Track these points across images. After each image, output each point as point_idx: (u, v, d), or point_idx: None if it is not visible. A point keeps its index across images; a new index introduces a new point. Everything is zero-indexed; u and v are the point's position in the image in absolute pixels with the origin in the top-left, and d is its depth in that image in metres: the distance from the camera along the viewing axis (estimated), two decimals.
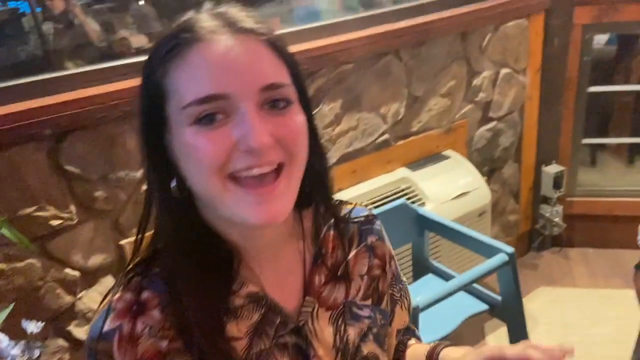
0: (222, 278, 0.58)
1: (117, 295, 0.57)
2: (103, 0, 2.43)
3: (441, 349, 0.72)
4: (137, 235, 0.60)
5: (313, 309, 0.64)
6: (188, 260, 0.57)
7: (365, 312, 0.68)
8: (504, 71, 2.14)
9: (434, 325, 1.45)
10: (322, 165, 0.62)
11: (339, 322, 0.65)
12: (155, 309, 0.56)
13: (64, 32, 2.19)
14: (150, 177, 0.58)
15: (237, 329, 0.58)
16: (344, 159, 1.77)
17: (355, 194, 1.75)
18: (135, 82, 1.40)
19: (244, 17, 0.54)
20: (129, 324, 0.56)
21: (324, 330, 0.64)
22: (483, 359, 0.62)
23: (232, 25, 0.53)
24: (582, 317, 2.10)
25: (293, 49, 0.58)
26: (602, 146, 2.95)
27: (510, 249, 1.32)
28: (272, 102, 0.53)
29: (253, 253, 0.60)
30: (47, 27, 2.23)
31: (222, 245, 0.59)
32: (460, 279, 1.30)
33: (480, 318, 1.57)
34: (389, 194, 1.81)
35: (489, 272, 1.30)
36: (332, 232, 0.68)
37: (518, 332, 1.43)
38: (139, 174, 1.37)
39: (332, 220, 0.68)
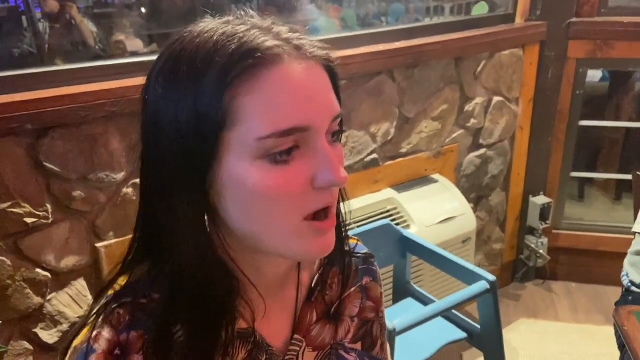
0: (219, 312, 0.53)
1: (95, 333, 0.51)
2: (104, 4, 2.43)
3: None
4: (127, 257, 0.55)
5: (300, 348, 0.61)
6: (190, 291, 0.52)
7: (352, 356, 0.65)
8: (497, 99, 2.15)
9: (410, 351, 1.42)
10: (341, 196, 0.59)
11: None
12: (137, 353, 0.51)
13: (60, 32, 2.18)
14: (162, 209, 0.51)
15: None
16: None
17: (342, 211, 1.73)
18: (123, 82, 1.37)
19: (305, 40, 0.51)
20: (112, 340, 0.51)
21: None
22: None
23: (298, 50, 0.49)
24: (562, 351, 2.08)
25: None
26: (590, 181, 2.96)
27: (492, 277, 1.31)
28: (333, 133, 0.51)
29: (257, 285, 0.56)
30: (44, 26, 2.22)
31: (229, 278, 0.54)
32: (439, 304, 1.27)
33: (459, 346, 1.55)
34: (374, 214, 1.79)
35: (469, 299, 1.28)
36: (334, 268, 0.64)
37: None
38: (120, 176, 1.34)
39: (343, 256, 0.64)
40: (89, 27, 2.21)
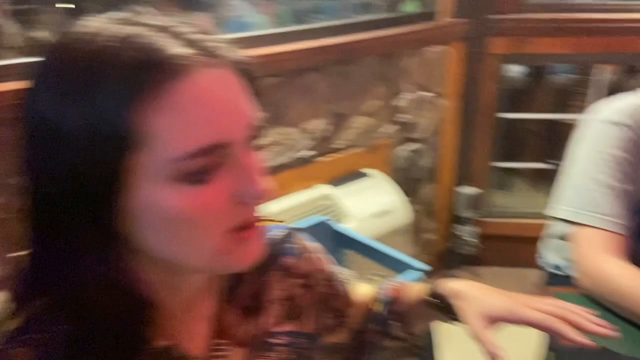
0: (130, 341, 0.50)
1: None
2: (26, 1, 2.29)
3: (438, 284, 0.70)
4: (18, 295, 0.50)
5: (224, 351, 0.59)
6: (95, 324, 0.48)
7: (282, 339, 0.65)
8: (425, 94, 2.22)
9: None
10: None
11: (255, 357, 0.61)
12: None
13: None
14: (74, 236, 0.46)
15: None
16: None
17: (276, 209, 1.73)
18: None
19: (217, 42, 0.46)
20: None
21: None
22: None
23: (209, 54, 0.44)
24: None
25: None
26: (515, 170, 3.13)
27: (423, 266, 1.35)
28: (252, 141, 0.48)
29: (170, 301, 0.53)
30: None
31: (141, 304, 0.50)
32: None
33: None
34: (310, 210, 1.80)
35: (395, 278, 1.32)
36: None
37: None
38: None
39: None
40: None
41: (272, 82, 1.68)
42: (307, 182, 1.88)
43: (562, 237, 1.36)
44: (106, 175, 0.43)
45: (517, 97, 2.85)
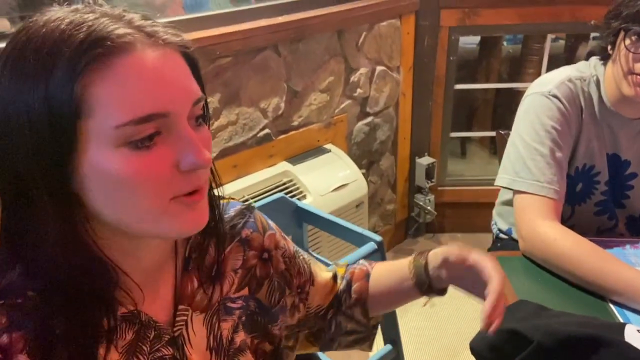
0: (97, 303, 0.54)
1: None
2: None
3: (422, 253, 0.78)
4: None
5: (187, 316, 0.63)
6: (64, 286, 0.52)
7: (238, 304, 0.69)
8: (379, 68, 2.26)
9: None
10: (213, 177, 0.62)
11: (213, 321, 0.65)
12: (21, 353, 0.50)
13: None
14: (20, 206, 0.51)
15: (112, 351, 0.56)
16: (224, 153, 1.77)
17: (237, 188, 1.76)
18: None
19: (157, 26, 0.52)
20: None
21: (197, 335, 0.64)
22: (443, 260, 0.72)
23: (152, 36, 0.50)
24: (450, 296, 2.29)
25: None
26: (470, 139, 3.22)
27: (378, 238, 1.41)
28: (195, 117, 0.53)
29: (132, 270, 0.57)
30: None
31: (103, 269, 0.54)
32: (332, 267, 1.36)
33: None
34: (270, 187, 1.84)
35: (359, 260, 1.38)
36: (202, 235, 0.66)
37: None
38: None
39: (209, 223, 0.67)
40: None
41: (227, 62, 1.69)
42: (267, 161, 1.91)
43: (506, 203, 1.44)
44: (60, 141, 0.47)
45: (470, 67, 2.92)
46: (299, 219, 1.67)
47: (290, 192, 1.86)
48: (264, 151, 1.90)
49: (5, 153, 0.50)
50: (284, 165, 1.93)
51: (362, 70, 2.18)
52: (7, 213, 0.53)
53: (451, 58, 2.41)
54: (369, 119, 2.30)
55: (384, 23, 2.19)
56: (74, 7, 0.51)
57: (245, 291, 0.70)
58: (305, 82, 1.97)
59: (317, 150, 2.06)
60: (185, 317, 0.63)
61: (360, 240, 1.44)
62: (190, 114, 0.52)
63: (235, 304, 0.69)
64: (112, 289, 0.56)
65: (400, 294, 0.81)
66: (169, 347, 0.61)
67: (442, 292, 0.80)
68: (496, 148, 3.10)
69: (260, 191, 1.81)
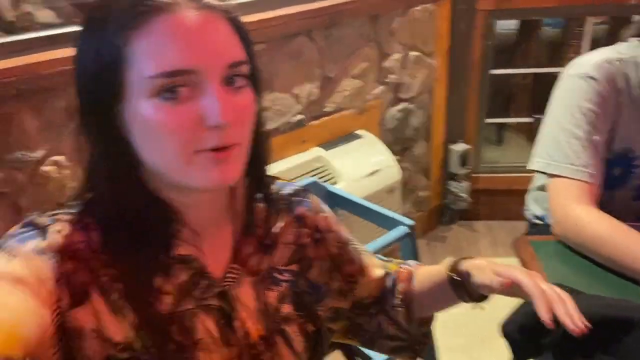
0: (159, 237, 0.60)
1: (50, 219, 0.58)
2: None
3: (459, 262, 0.74)
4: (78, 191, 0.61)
5: (238, 275, 0.67)
6: (126, 217, 0.58)
7: (285, 277, 0.72)
8: (413, 54, 2.24)
9: None
10: (260, 143, 0.64)
11: (260, 287, 0.69)
12: (94, 230, 0.58)
13: None
14: (93, 144, 0.58)
15: (166, 286, 0.61)
16: None
17: (270, 173, 1.78)
18: (32, 58, 1.34)
19: None
20: (67, 232, 0.57)
21: (246, 295, 0.67)
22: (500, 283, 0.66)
23: (196, 0, 0.54)
24: None
25: None
26: (506, 125, 3.17)
27: (410, 222, 1.41)
28: (231, 79, 0.55)
29: (192, 219, 0.62)
30: None
31: (164, 208, 0.60)
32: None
33: None
34: (303, 172, 1.86)
35: (391, 243, 1.39)
36: (261, 205, 0.70)
37: None
38: (37, 154, 1.32)
39: (263, 194, 0.70)
40: (4, 2, 2.06)
41: (261, 49, 1.71)
42: (299, 146, 1.93)
43: (541, 188, 1.42)
44: (108, 90, 0.54)
45: (507, 52, 2.86)
46: (331, 203, 1.68)
47: (323, 177, 1.88)
48: (297, 136, 1.92)
49: (78, 102, 0.58)
50: (316, 151, 1.95)
51: (396, 55, 2.17)
52: (87, 148, 0.59)
53: (488, 42, 2.37)
54: (403, 105, 2.29)
55: (419, 7, 2.17)
56: None
57: (294, 267, 0.73)
58: (338, 68, 1.98)
59: (349, 136, 2.07)
60: (236, 276, 0.67)
61: (392, 224, 1.45)
62: (223, 75, 0.55)
63: (282, 276, 0.72)
64: (172, 229, 0.61)
65: (442, 300, 0.79)
66: (218, 299, 0.65)
67: (482, 298, 0.76)
68: (533, 135, 3.06)
69: (293, 176, 1.83)
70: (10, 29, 2.10)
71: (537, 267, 1.04)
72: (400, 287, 0.83)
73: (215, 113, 0.53)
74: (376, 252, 1.39)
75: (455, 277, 0.73)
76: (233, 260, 0.67)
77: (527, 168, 1.20)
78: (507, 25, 2.97)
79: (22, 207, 1.33)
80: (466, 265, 0.73)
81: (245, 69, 0.57)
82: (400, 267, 0.86)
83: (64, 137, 1.32)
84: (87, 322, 0.56)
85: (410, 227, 1.39)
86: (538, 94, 2.96)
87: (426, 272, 0.82)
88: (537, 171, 1.17)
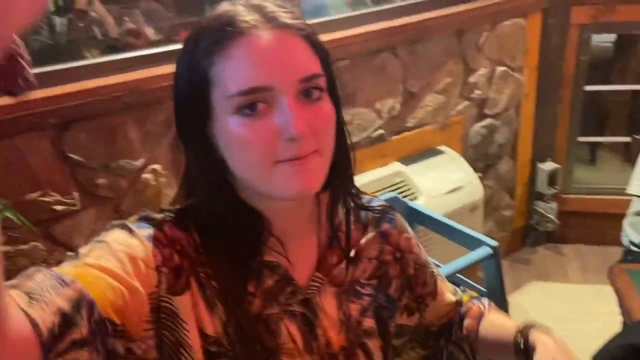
0: (250, 244, 0.63)
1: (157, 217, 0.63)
2: None
3: (530, 330, 0.75)
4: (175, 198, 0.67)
5: (322, 284, 0.69)
6: (221, 223, 0.62)
7: (367, 291, 0.73)
8: (500, 69, 2.18)
9: None
10: (344, 154, 0.66)
11: (342, 298, 0.70)
12: (194, 232, 0.63)
13: (78, 25, 2.23)
14: (189, 157, 0.63)
15: (255, 289, 0.64)
16: None
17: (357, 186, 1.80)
18: (138, 74, 1.46)
19: (282, 12, 0.59)
20: (173, 229, 0.62)
21: (329, 304, 0.69)
22: None
23: (272, 21, 0.57)
24: (573, 311, 2.14)
25: None
26: (601, 144, 2.97)
27: (494, 243, 1.37)
28: (307, 92, 0.58)
29: (278, 227, 0.65)
30: (62, 20, 2.28)
31: (254, 216, 0.64)
32: (444, 269, 1.35)
33: None
34: (383, 187, 1.86)
35: (472, 264, 1.35)
36: (349, 217, 0.72)
37: None
38: (139, 162, 1.43)
39: (350, 206, 0.72)
40: (109, 20, 2.25)
41: (344, 65, 1.74)
42: (380, 160, 1.93)
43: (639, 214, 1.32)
44: (199, 107, 0.59)
45: (603, 68, 2.70)
46: (410, 219, 1.66)
47: (402, 192, 1.86)
48: (377, 151, 1.92)
49: (176, 117, 0.63)
50: (396, 166, 1.94)
51: (482, 70, 2.12)
52: (185, 162, 0.65)
53: (582, 57, 2.25)
54: (487, 121, 2.23)
55: (508, 22, 2.11)
56: (236, 1, 0.61)
57: (374, 282, 0.74)
58: (421, 84, 1.97)
59: (431, 152, 2.04)
60: (319, 285, 0.69)
61: (474, 244, 1.41)
62: (298, 90, 0.57)
63: (364, 289, 0.73)
64: (260, 236, 0.64)
65: (499, 354, 0.80)
66: (301, 306, 0.67)
67: None
68: (630, 155, 2.85)
69: (372, 190, 1.83)
70: (114, 45, 2.29)
71: (634, 297, 0.98)
72: (467, 322, 0.83)
73: (289, 126, 0.56)
74: (457, 272, 1.36)
75: (522, 346, 0.73)
76: (317, 269, 0.69)
77: (626, 192, 1.13)
78: (604, 39, 2.81)
79: (123, 211, 1.44)
80: (535, 337, 0.73)
81: (321, 81, 0.59)
82: (473, 302, 0.85)
83: (162, 147, 1.42)
84: (189, 311, 0.60)
85: (494, 248, 1.35)
86: (636, 112, 2.76)
87: (496, 322, 0.82)
88: (637, 195, 1.10)
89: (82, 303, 0.48)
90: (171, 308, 0.59)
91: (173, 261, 0.60)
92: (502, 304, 1.50)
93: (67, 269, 0.52)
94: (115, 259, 0.55)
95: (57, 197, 1.34)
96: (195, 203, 0.64)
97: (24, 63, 0.40)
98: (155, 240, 0.60)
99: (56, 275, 0.49)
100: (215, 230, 0.63)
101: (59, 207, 1.34)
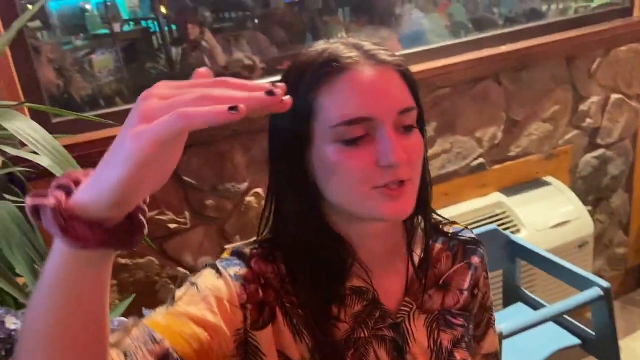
0: (336, 269, 0.66)
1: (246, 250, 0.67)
2: (221, 29, 2.64)
3: None
4: (258, 229, 0.70)
5: (411, 310, 0.70)
6: (307, 249, 0.65)
7: (459, 321, 0.73)
8: (615, 97, 2.04)
9: (521, 356, 1.42)
10: (426, 185, 0.68)
11: (433, 327, 0.71)
12: (281, 263, 0.67)
13: (190, 54, 2.43)
14: (284, 182, 0.66)
15: (342, 314, 0.66)
16: (436, 181, 1.79)
17: (447, 216, 1.76)
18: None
19: (380, 50, 0.63)
20: (260, 263, 0.66)
21: (418, 331, 0.70)
22: None
23: (372, 58, 0.62)
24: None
25: None
26: None
27: (606, 284, 1.28)
28: (403, 124, 0.61)
29: (365, 253, 0.67)
30: (176, 51, 2.49)
31: (340, 242, 0.66)
32: (549, 309, 1.27)
33: (574, 353, 1.52)
34: (482, 218, 1.80)
35: (581, 306, 1.26)
36: (438, 245, 0.74)
37: None
38: (243, 186, 1.51)
39: (440, 234, 0.74)
40: (218, 50, 2.42)
41: (445, 93, 1.73)
42: (479, 190, 1.88)
43: None
44: (299, 136, 0.62)
45: None
46: (511, 253, 1.60)
47: (503, 224, 1.79)
48: (477, 180, 1.87)
49: (270, 147, 0.67)
50: (497, 196, 1.87)
51: (594, 98, 2.00)
52: (271, 190, 0.68)
53: None
54: (600, 151, 2.09)
55: (623, 48, 1.98)
56: (332, 40, 0.66)
57: (467, 313, 0.74)
58: (526, 112, 1.90)
59: (535, 183, 1.95)
60: (408, 311, 0.70)
61: (583, 283, 1.33)
62: (396, 122, 0.61)
63: (456, 320, 0.73)
64: (346, 263, 0.67)
65: None
66: (391, 331, 0.68)
67: None
68: None
69: (471, 221, 1.79)
70: (222, 74, 2.45)
71: None
72: None
73: (389, 153, 0.59)
74: (563, 313, 1.29)
75: None
76: (407, 294, 0.70)
77: None
78: None
79: (226, 230, 1.53)
80: None
81: (414, 114, 0.63)
82: None
83: (265, 172, 1.49)
84: (272, 341, 0.63)
85: (605, 289, 1.26)
86: None
87: None
88: None
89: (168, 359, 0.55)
90: (254, 343, 0.63)
91: (258, 296, 0.64)
92: (614, 350, 1.39)
93: (159, 318, 0.59)
94: (204, 302, 0.60)
95: (172, 216, 1.45)
96: (285, 230, 0.67)
97: (144, 220, 0.45)
98: (241, 278, 0.63)
99: (148, 332, 0.56)
100: (301, 257, 0.66)
101: (172, 225, 1.46)
